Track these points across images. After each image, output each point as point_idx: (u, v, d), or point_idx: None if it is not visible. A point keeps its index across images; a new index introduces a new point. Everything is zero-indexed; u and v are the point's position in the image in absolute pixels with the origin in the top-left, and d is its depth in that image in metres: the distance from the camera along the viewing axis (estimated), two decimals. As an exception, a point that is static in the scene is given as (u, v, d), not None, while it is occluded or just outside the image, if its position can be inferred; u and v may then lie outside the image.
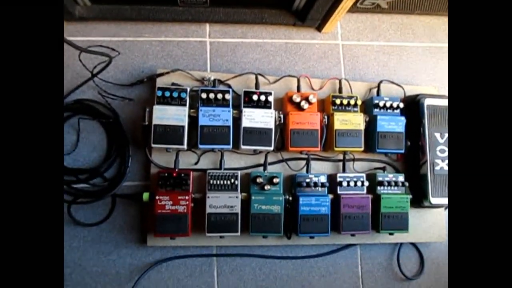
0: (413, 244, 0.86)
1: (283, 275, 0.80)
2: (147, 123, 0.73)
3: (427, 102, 0.79)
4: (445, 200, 0.77)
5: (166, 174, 0.72)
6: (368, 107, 0.82)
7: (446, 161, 0.78)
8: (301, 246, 0.81)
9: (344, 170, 0.80)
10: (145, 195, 0.72)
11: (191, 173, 0.74)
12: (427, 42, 0.95)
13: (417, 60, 0.93)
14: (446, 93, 0.86)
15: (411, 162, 0.82)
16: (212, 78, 0.79)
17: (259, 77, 0.81)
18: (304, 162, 0.79)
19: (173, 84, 0.78)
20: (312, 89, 0.83)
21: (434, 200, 0.77)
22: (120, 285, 0.75)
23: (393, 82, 0.86)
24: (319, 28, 0.89)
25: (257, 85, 0.79)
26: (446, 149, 0.79)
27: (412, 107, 0.82)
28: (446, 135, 0.79)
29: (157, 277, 0.77)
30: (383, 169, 0.82)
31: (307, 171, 0.77)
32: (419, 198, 0.80)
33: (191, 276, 0.77)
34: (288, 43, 0.88)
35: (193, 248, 0.78)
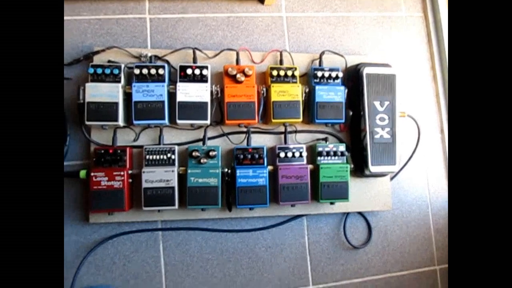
0: (361, 214, 0.87)
1: (229, 247, 0.81)
2: (82, 101, 0.73)
3: (366, 71, 0.79)
4: (384, 168, 0.78)
5: (102, 151, 0.73)
6: (309, 77, 0.82)
7: (386, 130, 0.79)
8: (247, 219, 0.82)
9: (285, 142, 0.80)
10: (82, 173, 0.72)
11: (128, 149, 0.74)
12: (375, 11, 0.94)
13: (364, 30, 0.92)
14: (392, 63, 0.85)
15: (354, 132, 0.83)
16: (149, 55, 0.79)
17: (199, 53, 0.80)
18: (245, 135, 0.79)
19: (109, 61, 0.77)
20: (253, 62, 0.83)
21: (373, 169, 0.78)
22: (67, 262, 0.76)
23: (335, 53, 0.85)
24: (262, 1, 0.87)
25: (194, 60, 0.79)
26: (386, 117, 0.79)
27: (354, 77, 0.81)
28: (386, 103, 0.79)
29: (104, 254, 0.78)
30: (325, 139, 0.82)
31: (247, 144, 0.78)
32: (362, 168, 0.80)
33: (137, 251, 0.79)
34: (231, 17, 0.87)
35: (138, 224, 0.79)
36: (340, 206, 0.82)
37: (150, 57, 0.78)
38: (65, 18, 0.82)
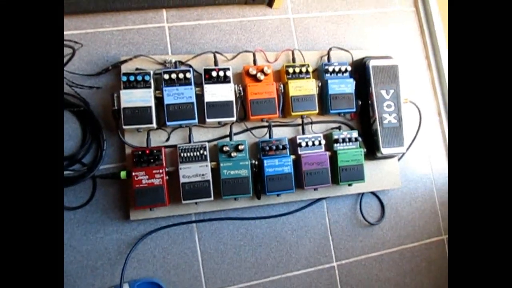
0: (373, 193, 0.95)
1: (258, 233, 0.89)
2: (116, 107, 0.79)
3: (372, 63, 0.87)
4: (394, 150, 0.86)
5: (139, 152, 0.79)
6: (320, 73, 0.90)
7: (393, 115, 0.87)
8: (272, 206, 0.89)
9: (303, 133, 0.87)
10: (123, 173, 0.78)
11: (163, 149, 0.80)
12: (372, 8, 1.02)
13: (364, 26, 1.01)
14: (391, 55, 0.94)
15: (364, 119, 0.91)
16: (173, 60, 0.85)
17: (218, 55, 0.87)
18: (267, 129, 0.86)
19: (137, 69, 0.83)
20: (268, 61, 0.90)
21: (384, 151, 0.86)
22: (110, 259, 0.82)
23: (341, 48, 0.93)
24: (270, 4, 0.95)
25: (216, 63, 0.85)
26: (392, 104, 0.87)
27: (360, 70, 0.90)
28: (391, 91, 0.88)
29: (144, 248, 0.83)
30: (339, 128, 0.90)
31: (270, 137, 0.85)
32: (373, 151, 0.89)
33: (175, 244, 0.85)
34: (243, 21, 0.94)
35: (174, 218, 0.85)
36: (356, 187, 0.90)
37: (175, 62, 0.84)
38: (89, 31, 0.87)
